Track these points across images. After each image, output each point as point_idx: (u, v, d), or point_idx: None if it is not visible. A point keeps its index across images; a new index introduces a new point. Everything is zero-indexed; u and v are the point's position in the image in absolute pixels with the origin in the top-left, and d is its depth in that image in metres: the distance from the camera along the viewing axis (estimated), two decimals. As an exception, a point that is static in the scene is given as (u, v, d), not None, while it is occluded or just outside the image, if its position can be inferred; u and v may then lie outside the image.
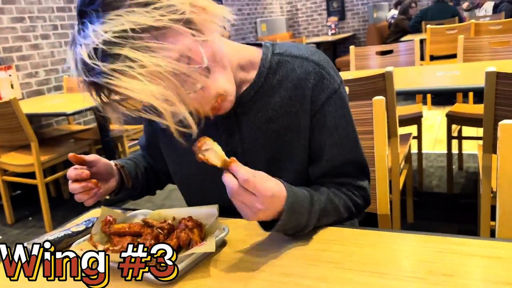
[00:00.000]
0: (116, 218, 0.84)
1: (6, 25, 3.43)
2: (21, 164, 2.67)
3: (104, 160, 0.86)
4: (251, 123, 0.82)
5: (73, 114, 2.80)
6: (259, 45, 0.84)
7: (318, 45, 6.93)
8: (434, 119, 4.09)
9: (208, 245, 0.69)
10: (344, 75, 2.59)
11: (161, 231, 0.77)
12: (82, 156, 0.82)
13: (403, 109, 2.56)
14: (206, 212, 0.79)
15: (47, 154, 2.71)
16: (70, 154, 0.81)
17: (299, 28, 8.27)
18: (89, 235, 0.81)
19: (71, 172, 0.80)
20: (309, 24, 8.21)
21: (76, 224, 0.89)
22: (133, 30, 0.60)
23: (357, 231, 0.76)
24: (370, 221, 1.09)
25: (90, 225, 0.87)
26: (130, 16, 0.60)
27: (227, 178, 0.65)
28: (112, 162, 0.90)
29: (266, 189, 0.66)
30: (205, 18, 0.67)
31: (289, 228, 0.72)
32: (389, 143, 1.70)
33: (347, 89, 1.59)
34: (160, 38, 0.62)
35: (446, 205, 2.39)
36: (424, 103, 4.44)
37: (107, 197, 0.92)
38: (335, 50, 7.58)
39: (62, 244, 0.82)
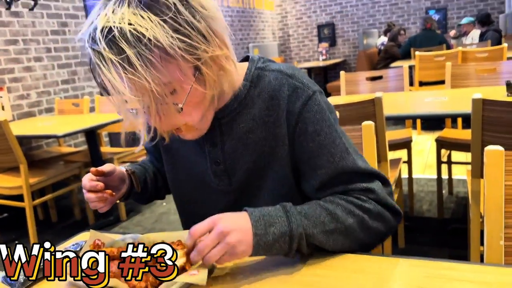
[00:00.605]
0: (104, 242, 0.83)
1: (-1, 47, 3.45)
2: (9, 186, 2.63)
3: (118, 168, 0.90)
4: (234, 133, 0.84)
5: (64, 136, 2.80)
6: (248, 58, 0.88)
7: (309, 70, 7.04)
8: (424, 144, 4.13)
9: (200, 277, 0.67)
10: (335, 100, 2.63)
11: (150, 255, 0.76)
12: (102, 169, 0.86)
13: (393, 134, 2.60)
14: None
15: (36, 176, 2.68)
16: (93, 169, 0.85)
17: (290, 53, 8.41)
18: (76, 259, 0.80)
19: (86, 182, 0.84)
20: (301, 49, 8.36)
21: (64, 248, 0.87)
22: (149, 40, 0.62)
23: (347, 256, 0.76)
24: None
25: (78, 249, 0.86)
26: (157, 28, 0.63)
27: (190, 255, 0.69)
28: (123, 169, 0.93)
29: (212, 217, 0.70)
30: (216, 77, 0.72)
31: (275, 241, 0.70)
32: (379, 168, 1.71)
33: (337, 113, 1.61)
34: (164, 61, 0.65)
35: (437, 230, 2.40)
36: (414, 128, 4.50)
37: (117, 201, 0.95)
38: (326, 75, 7.69)
39: (48, 268, 0.81)
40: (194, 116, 0.75)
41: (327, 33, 8.03)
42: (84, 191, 0.85)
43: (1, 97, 3.37)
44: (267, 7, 8.03)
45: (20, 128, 2.95)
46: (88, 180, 0.84)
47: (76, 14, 4.12)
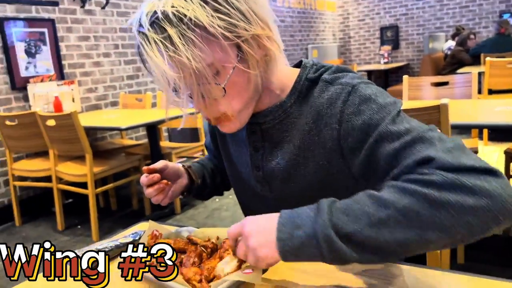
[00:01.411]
0: (162, 233, 0.86)
1: (73, 43, 3.68)
2: (75, 174, 2.80)
3: (171, 164, 0.93)
4: (274, 141, 0.83)
5: (127, 129, 2.93)
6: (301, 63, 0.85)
7: (370, 73, 6.86)
8: (491, 156, 3.88)
9: (254, 277, 0.66)
10: (396, 104, 2.53)
11: (204, 250, 0.77)
12: (153, 166, 0.90)
13: (457, 143, 2.46)
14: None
15: (99, 166, 2.83)
16: (144, 168, 0.89)
17: (350, 55, 8.25)
18: (135, 248, 0.83)
19: (144, 179, 0.89)
20: (361, 52, 8.17)
21: (124, 236, 0.91)
22: (190, 19, 0.65)
23: (402, 267, 0.73)
24: (418, 258, 1.04)
25: (137, 238, 0.90)
26: (198, 9, 0.65)
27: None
28: (179, 164, 0.97)
29: (243, 220, 0.68)
30: (259, 57, 0.72)
31: (302, 245, 0.60)
32: (441, 178, 1.63)
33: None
34: (205, 40, 0.67)
35: (501, 248, 2.25)
36: (480, 138, 4.24)
37: (181, 196, 0.99)
38: (387, 79, 7.47)
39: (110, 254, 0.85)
40: (237, 101, 0.74)
41: (390, 36, 7.79)
42: (144, 188, 0.90)
43: (72, 89, 3.59)
44: (329, 8, 7.93)
45: (87, 119, 3.13)
46: (144, 176, 0.89)
47: (143, 13, 4.29)
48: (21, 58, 3.32)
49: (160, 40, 0.65)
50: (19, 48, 3.31)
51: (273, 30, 0.73)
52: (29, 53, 3.37)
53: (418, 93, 2.70)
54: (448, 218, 0.55)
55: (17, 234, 3.03)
